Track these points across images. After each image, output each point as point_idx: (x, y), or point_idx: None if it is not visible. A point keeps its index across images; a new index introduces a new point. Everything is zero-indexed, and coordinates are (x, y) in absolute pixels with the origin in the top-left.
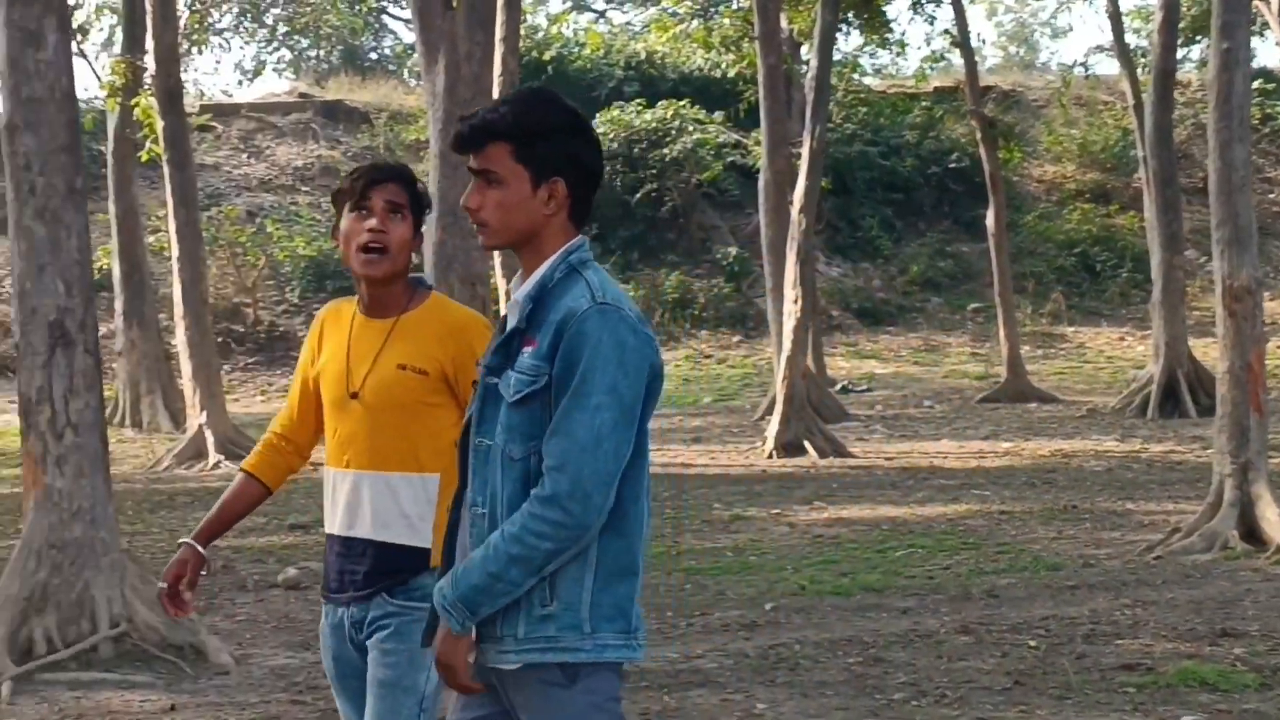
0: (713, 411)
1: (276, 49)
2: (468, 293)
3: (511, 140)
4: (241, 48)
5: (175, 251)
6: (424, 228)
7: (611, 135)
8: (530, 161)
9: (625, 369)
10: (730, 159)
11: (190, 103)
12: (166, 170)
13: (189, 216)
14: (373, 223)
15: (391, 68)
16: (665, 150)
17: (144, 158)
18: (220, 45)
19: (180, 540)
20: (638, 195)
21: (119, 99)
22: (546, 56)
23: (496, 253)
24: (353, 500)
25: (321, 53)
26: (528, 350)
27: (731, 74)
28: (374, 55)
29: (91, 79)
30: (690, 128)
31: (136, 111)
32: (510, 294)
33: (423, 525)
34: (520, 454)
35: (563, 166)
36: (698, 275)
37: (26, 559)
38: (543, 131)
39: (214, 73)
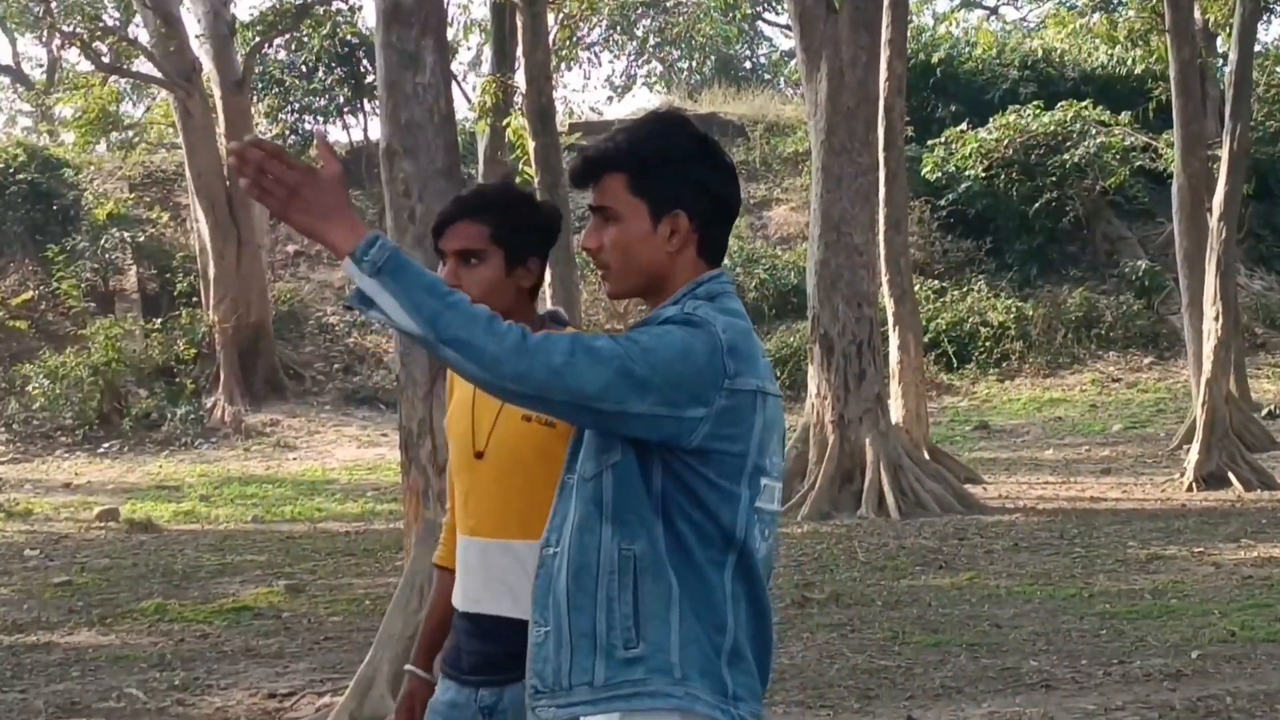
0: (1123, 440)
1: (647, 62)
2: (854, 314)
3: (626, 170)
4: (611, 62)
5: (547, 275)
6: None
7: (1006, 141)
8: (647, 193)
9: (671, 370)
10: (1138, 163)
11: (560, 121)
12: (538, 192)
13: (561, 239)
14: (444, 277)
15: (767, 77)
16: (1065, 155)
17: (517, 180)
18: (590, 60)
19: (405, 669)
20: (1036, 205)
21: (489, 120)
22: (935, 59)
23: (882, 276)
24: (480, 571)
25: (694, 64)
26: None
27: (1139, 70)
28: (749, 64)
29: (460, 100)
30: (1093, 130)
31: (508, 132)
32: None
33: None
34: (593, 470)
35: (685, 197)
36: (1104, 291)
37: (409, 596)
38: (661, 159)
39: (583, 89)
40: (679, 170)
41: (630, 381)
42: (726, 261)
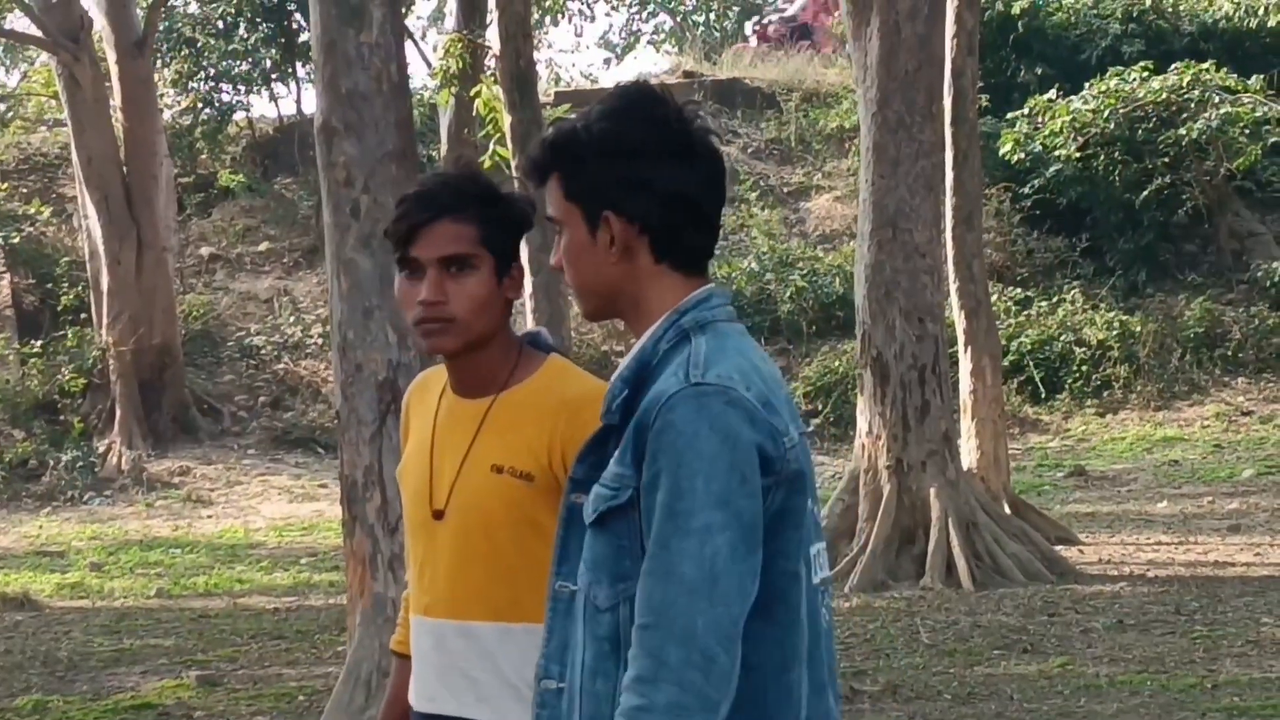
0: (1256, 489)
1: (654, 14)
2: (914, 332)
3: (559, 169)
4: (608, 15)
5: (528, 286)
6: (872, 246)
7: (1107, 112)
8: (579, 195)
9: (739, 472)
10: (1273, 140)
11: (544, 90)
12: (516, 182)
13: (541, 239)
14: (424, 292)
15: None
16: (1181, 130)
17: (486, 164)
18: (581, 13)
19: None
20: (1144, 193)
21: (454, 89)
22: (1016, 9)
23: (950, 283)
24: (436, 660)
25: (712, 17)
26: (616, 453)
27: (1273, 23)
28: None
29: (418, 64)
30: (1216, 98)
31: (476, 104)
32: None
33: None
34: (607, 601)
35: (614, 193)
36: (1230, 301)
37: (353, 691)
38: (592, 152)
39: (574, 50)
40: (610, 164)
41: (742, 550)
42: (754, 265)
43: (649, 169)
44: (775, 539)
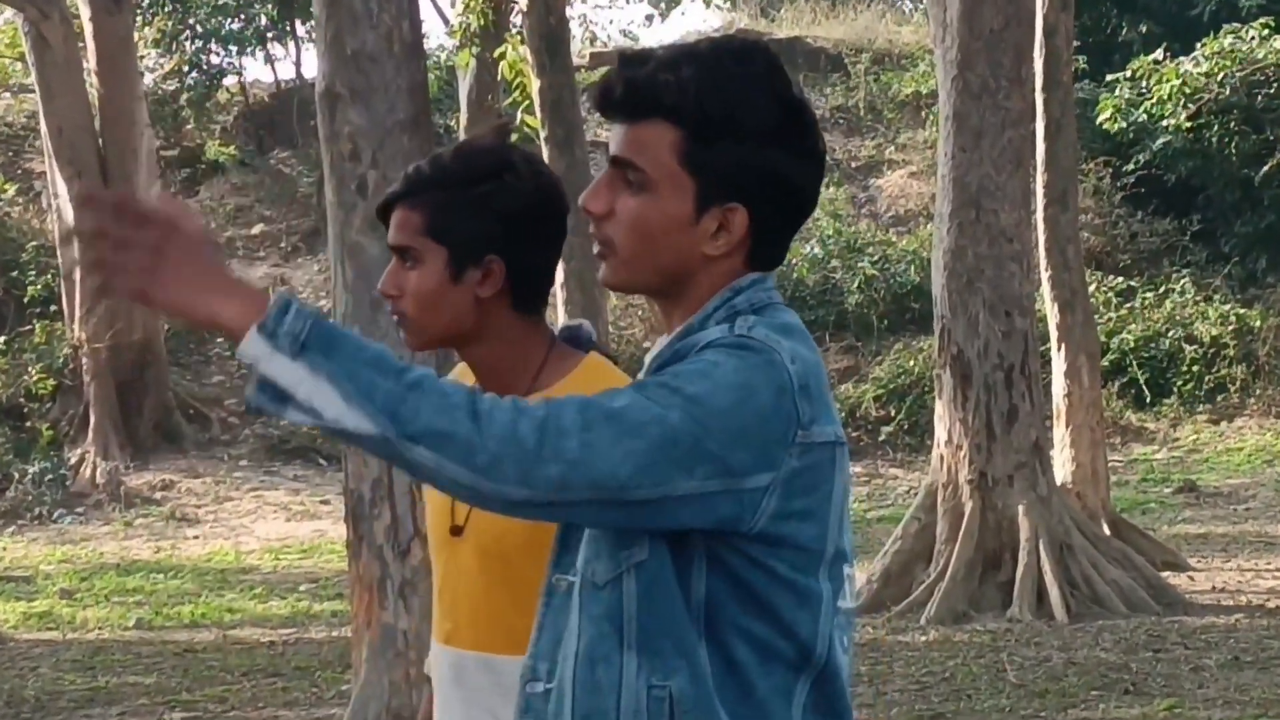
0: None
1: None
2: (1001, 327)
3: (683, 126)
4: None
5: (560, 275)
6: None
7: (1221, 76)
8: (701, 169)
9: (741, 414)
10: None
11: (578, 51)
12: (545, 150)
13: (576, 222)
14: (382, 279)
15: None
16: None
17: (519, 135)
18: None
19: None
20: (1265, 169)
21: (475, 50)
22: None
23: (1041, 272)
24: (457, 694)
25: None
26: None
27: None
28: None
29: (434, 21)
30: None
31: (501, 67)
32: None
33: None
34: (607, 573)
35: (751, 186)
36: None
37: None
38: (734, 125)
39: (610, 6)
40: (755, 146)
41: (675, 452)
42: (818, 250)
43: (787, 164)
44: (776, 552)
